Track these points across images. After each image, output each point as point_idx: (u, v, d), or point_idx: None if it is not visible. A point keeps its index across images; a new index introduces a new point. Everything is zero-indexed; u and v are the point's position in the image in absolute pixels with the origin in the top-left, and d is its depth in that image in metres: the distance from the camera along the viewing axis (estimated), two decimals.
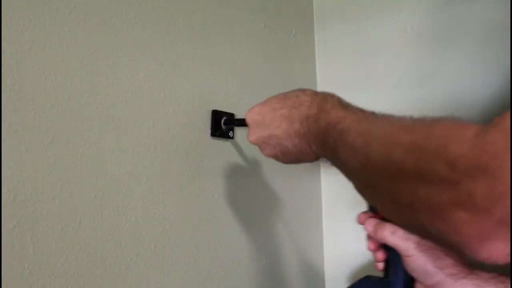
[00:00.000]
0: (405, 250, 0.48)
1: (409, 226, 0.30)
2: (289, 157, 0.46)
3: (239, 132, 0.67)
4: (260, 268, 0.70)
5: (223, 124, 0.64)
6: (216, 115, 0.63)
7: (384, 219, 0.51)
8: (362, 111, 0.36)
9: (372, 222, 0.52)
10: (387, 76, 0.78)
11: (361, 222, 0.53)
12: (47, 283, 0.42)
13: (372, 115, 0.35)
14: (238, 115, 0.65)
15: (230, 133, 0.65)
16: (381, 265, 0.54)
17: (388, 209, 0.32)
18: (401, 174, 0.28)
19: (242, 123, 0.63)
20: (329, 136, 0.37)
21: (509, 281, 0.46)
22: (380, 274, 0.53)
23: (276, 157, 0.47)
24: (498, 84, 0.65)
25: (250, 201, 0.69)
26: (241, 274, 0.68)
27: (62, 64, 0.45)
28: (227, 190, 0.65)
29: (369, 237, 0.53)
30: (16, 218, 0.40)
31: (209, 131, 0.62)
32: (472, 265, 0.49)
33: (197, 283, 0.60)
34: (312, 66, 0.88)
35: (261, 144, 0.47)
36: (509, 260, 0.24)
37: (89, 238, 0.47)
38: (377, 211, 0.52)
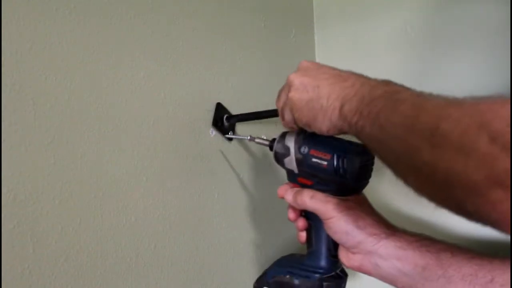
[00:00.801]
0: (325, 213, 0.47)
1: (443, 200, 0.30)
2: (308, 111, 0.44)
3: (239, 131, 0.67)
4: (260, 268, 0.70)
5: (225, 121, 0.64)
6: (220, 108, 0.63)
7: (303, 186, 0.51)
8: (421, 91, 0.36)
9: (291, 191, 0.51)
10: (387, 76, 0.77)
11: (281, 194, 0.53)
12: (47, 283, 0.42)
13: (429, 94, 0.34)
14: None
15: (230, 133, 0.65)
16: (303, 236, 0.53)
17: (421, 183, 0.32)
18: (444, 145, 0.28)
19: (244, 118, 0.63)
20: (377, 102, 0.36)
21: (431, 245, 0.45)
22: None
23: (298, 103, 0.45)
24: (498, 84, 0.65)
25: (250, 201, 0.69)
26: (241, 274, 0.68)
27: (62, 64, 0.45)
28: (227, 190, 0.65)
29: (290, 207, 0.53)
30: (16, 218, 0.40)
31: (209, 130, 0.62)
32: (394, 227, 0.48)
33: (197, 283, 0.60)
34: None
35: (296, 85, 0.45)
36: None
37: (89, 238, 0.47)
38: (296, 180, 0.52)
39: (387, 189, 0.76)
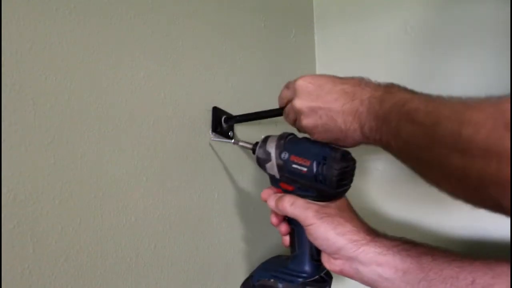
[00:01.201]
0: (305, 220, 0.48)
1: (479, 201, 0.30)
2: (328, 133, 0.45)
3: (239, 132, 0.67)
4: None
5: (223, 122, 0.64)
6: (217, 112, 0.63)
7: (285, 191, 0.51)
8: (428, 94, 0.36)
9: (273, 197, 0.52)
10: (387, 76, 0.77)
11: (264, 198, 0.53)
12: (47, 283, 0.42)
13: (438, 97, 0.34)
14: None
15: (230, 133, 0.65)
16: (287, 240, 0.54)
17: (455, 187, 0.32)
18: (471, 151, 0.28)
19: (242, 119, 0.63)
20: (392, 117, 0.37)
21: (412, 248, 0.45)
22: None
23: (314, 129, 0.46)
24: (498, 84, 0.65)
25: (250, 201, 0.69)
26: (242, 274, 0.68)
27: (62, 64, 0.45)
28: (227, 190, 0.65)
29: (273, 212, 0.53)
30: (16, 218, 0.40)
31: (209, 131, 0.62)
32: (375, 232, 0.49)
33: (197, 283, 0.60)
34: (312, 66, 0.88)
35: (305, 112, 0.45)
36: None
37: (89, 238, 0.47)
38: (278, 185, 0.52)
39: (376, 193, 0.76)
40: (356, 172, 0.49)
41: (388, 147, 0.39)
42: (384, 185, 0.76)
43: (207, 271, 0.61)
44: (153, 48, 0.55)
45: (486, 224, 0.64)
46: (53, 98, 0.44)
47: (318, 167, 0.46)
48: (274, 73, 0.77)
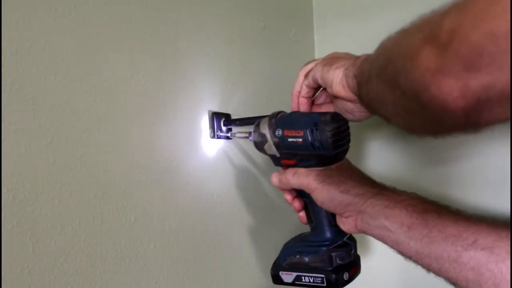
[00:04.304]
0: (308, 186, 0.49)
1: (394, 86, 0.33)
2: None
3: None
4: (260, 268, 0.70)
5: (222, 125, 0.64)
6: (214, 117, 0.63)
7: (288, 167, 0.52)
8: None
9: (275, 174, 0.54)
10: None
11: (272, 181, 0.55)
12: (47, 283, 0.42)
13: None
14: (237, 115, 0.65)
15: (230, 134, 0.65)
16: (303, 216, 0.55)
17: (398, 102, 0.34)
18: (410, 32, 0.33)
19: (242, 123, 0.63)
20: (363, 66, 0.42)
21: (419, 204, 0.45)
22: None
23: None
24: None
25: (250, 201, 0.69)
26: (241, 274, 0.68)
27: (62, 64, 0.45)
28: (227, 190, 0.65)
29: (285, 190, 0.54)
30: (15, 218, 0.40)
31: (208, 131, 0.62)
32: (382, 186, 0.49)
33: (197, 283, 0.60)
34: None
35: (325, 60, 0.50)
36: (458, 103, 0.25)
37: (89, 238, 0.47)
38: (280, 163, 0.53)
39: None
40: None
41: (370, 96, 0.41)
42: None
43: (207, 271, 0.61)
44: (153, 48, 0.55)
45: None
46: (53, 98, 0.44)
47: (312, 134, 0.47)
48: (273, 73, 0.77)
